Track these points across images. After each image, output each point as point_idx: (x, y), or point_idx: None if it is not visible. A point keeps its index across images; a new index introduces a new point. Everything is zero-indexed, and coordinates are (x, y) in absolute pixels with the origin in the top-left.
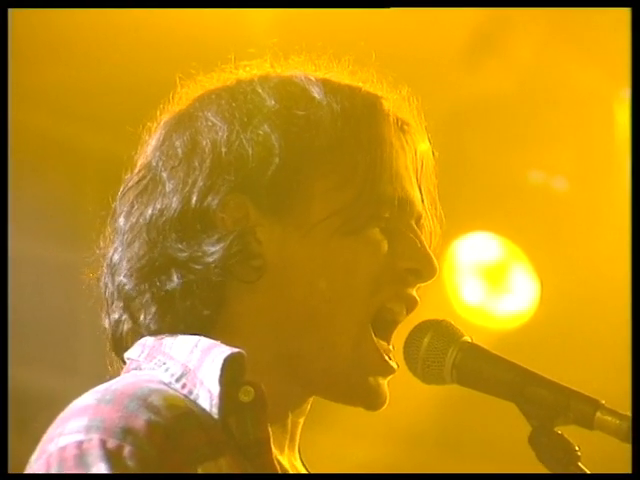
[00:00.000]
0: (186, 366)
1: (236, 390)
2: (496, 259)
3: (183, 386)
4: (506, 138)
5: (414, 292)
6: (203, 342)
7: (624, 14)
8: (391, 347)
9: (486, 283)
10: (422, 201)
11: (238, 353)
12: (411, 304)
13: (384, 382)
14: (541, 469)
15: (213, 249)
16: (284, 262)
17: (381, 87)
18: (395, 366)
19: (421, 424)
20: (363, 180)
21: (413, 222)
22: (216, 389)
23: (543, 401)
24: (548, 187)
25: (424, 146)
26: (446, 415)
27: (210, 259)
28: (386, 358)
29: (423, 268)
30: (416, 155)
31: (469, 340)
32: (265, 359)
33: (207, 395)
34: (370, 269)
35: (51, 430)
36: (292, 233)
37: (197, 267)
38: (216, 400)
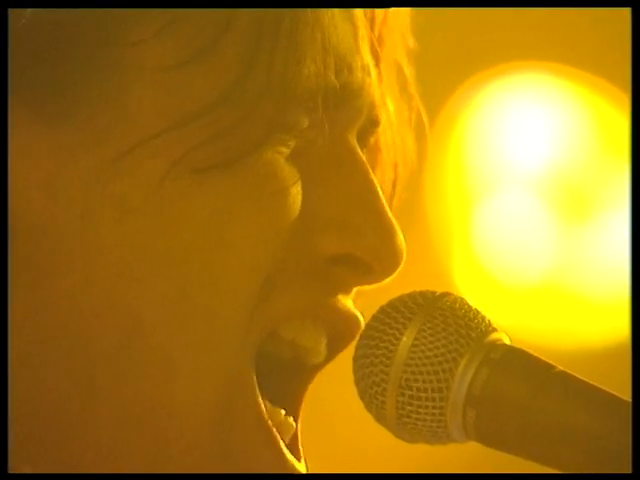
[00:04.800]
0: None
1: None
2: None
3: None
4: None
5: (349, 302)
6: None
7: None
8: (292, 421)
9: (548, 206)
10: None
11: None
12: (343, 328)
13: None
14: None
15: None
16: (58, 223)
17: None
18: (301, 469)
19: None
20: (247, 45)
21: (352, 137)
22: None
23: None
24: None
25: None
26: None
27: None
28: (283, 449)
29: (371, 256)
30: None
31: (504, 341)
32: None
33: None
34: (253, 251)
35: None
36: (80, 157)
37: None
38: None
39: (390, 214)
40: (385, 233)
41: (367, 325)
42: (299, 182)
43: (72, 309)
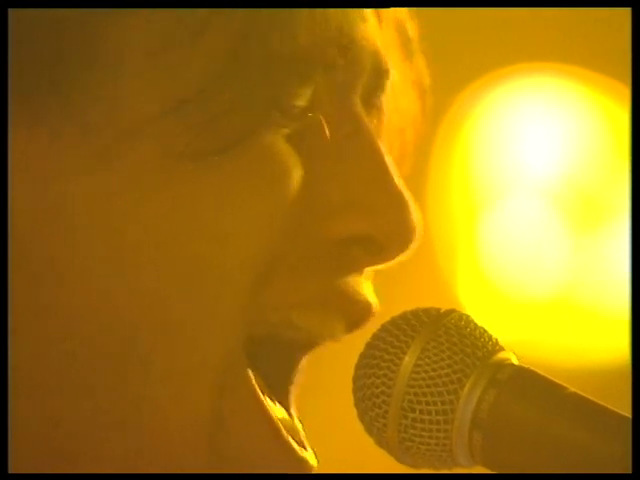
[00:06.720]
0: None
1: None
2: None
3: None
4: None
5: (365, 286)
6: None
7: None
8: (295, 419)
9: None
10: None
11: None
12: (355, 313)
13: None
14: None
15: None
16: (55, 219)
17: None
18: (312, 461)
19: None
20: (240, 23)
21: (357, 99)
22: None
23: None
24: None
25: None
26: None
27: None
28: (292, 444)
29: (385, 234)
30: None
31: (512, 361)
32: None
33: None
34: (252, 241)
35: None
36: (74, 151)
37: None
38: None
39: (401, 187)
40: (399, 209)
41: (367, 344)
42: (301, 164)
43: (70, 309)
